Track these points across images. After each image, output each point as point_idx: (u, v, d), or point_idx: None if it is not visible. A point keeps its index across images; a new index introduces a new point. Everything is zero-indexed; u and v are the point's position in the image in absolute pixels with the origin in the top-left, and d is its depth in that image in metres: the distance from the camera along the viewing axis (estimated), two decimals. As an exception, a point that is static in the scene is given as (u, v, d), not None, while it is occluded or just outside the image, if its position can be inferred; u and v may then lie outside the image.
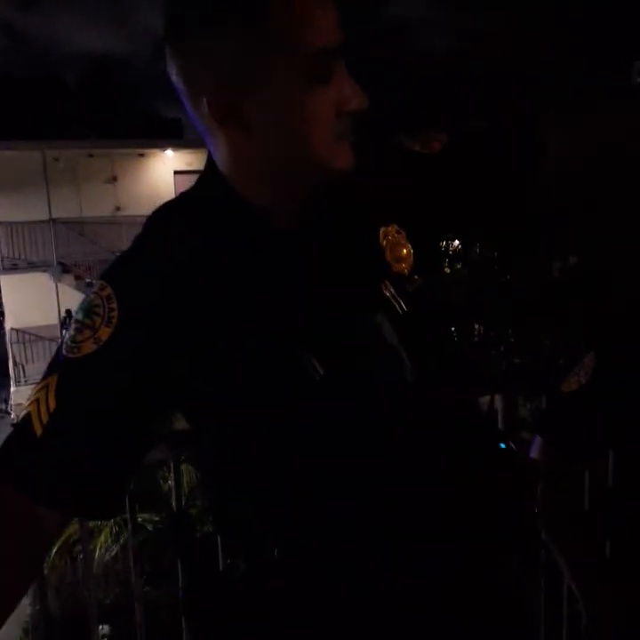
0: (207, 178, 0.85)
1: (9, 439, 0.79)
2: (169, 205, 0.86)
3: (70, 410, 0.77)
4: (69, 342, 0.78)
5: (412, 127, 0.96)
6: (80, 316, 0.79)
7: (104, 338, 0.76)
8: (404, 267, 0.85)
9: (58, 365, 0.79)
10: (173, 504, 1.41)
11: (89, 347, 0.77)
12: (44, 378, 0.79)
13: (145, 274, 0.80)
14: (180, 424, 0.90)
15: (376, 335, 0.82)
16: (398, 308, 0.83)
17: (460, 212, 0.94)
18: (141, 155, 16.34)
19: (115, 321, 0.77)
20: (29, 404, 0.78)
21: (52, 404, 0.76)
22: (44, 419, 0.76)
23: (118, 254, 0.85)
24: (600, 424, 1.22)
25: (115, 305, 0.77)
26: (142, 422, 0.80)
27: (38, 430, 0.76)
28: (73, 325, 0.80)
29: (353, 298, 0.82)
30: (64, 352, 0.79)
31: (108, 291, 0.78)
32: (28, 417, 0.77)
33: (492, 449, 0.91)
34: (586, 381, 1.22)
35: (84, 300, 0.81)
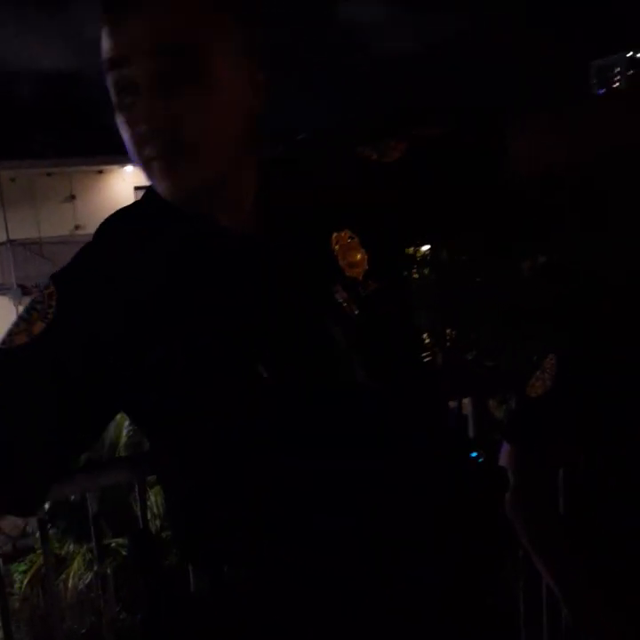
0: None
1: None
2: (119, 213, 0.87)
3: None
4: (5, 335, 0.79)
5: (371, 135, 0.94)
6: (22, 312, 0.81)
7: (36, 332, 0.77)
8: (358, 272, 0.85)
9: None
10: (139, 518, 1.36)
11: (21, 339, 0.78)
12: None
13: (87, 276, 0.81)
14: (146, 445, 0.90)
15: (325, 339, 0.82)
16: (350, 312, 0.83)
17: (418, 217, 0.93)
18: (100, 172, 16.27)
19: (50, 317, 0.78)
20: None
21: None
22: None
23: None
24: (570, 428, 1.21)
25: (54, 303, 0.79)
26: (63, 420, 0.78)
27: None
28: (15, 320, 0.81)
29: (302, 302, 0.82)
30: None
31: (52, 289, 0.80)
32: None
33: (463, 457, 0.93)
34: (552, 385, 1.21)
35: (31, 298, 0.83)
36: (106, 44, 0.73)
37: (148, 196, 0.86)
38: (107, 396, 0.80)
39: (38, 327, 0.78)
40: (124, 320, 0.78)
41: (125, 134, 0.76)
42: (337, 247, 0.86)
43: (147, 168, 0.77)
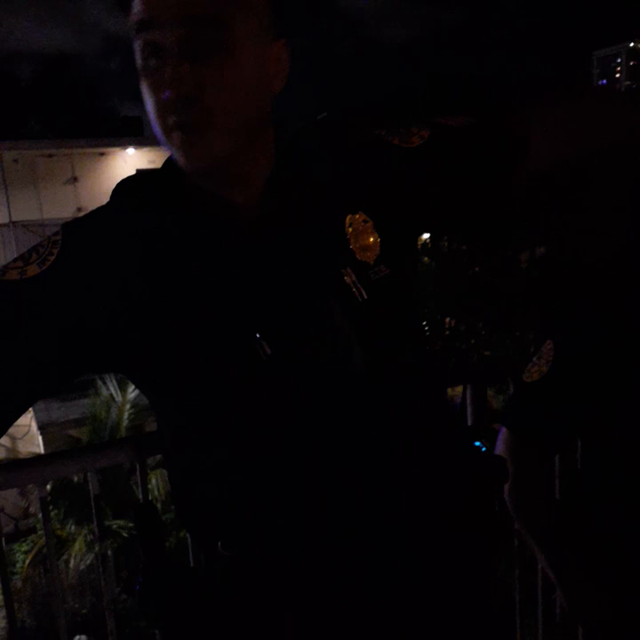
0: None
1: None
2: (137, 179, 0.87)
3: None
4: (2, 266, 0.80)
5: (393, 120, 0.93)
6: (25, 251, 0.81)
7: (29, 274, 0.77)
8: (370, 256, 0.84)
9: None
10: (141, 499, 1.36)
11: (12, 275, 0.78)
12: None
13: (97, 238, 0.81)
14: (149, 427, 0.89)
15: (327, 321, 0.81)
16: (358, 296, 0.82)
17: (433, 206, 0.92)
18: (102, 154, 16.12)
19: (47, 265, 0.78)
20: None
21: None
22: None
23: None
24: (566, 414, 1.21)
25: (56, 251, 0.78)
26: (28, 366, 0.77)
27: None
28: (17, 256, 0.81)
29: (308, 283, 0.81)
30: None
31: (59, 237, 0.80)
32: None
33: (464, 451, 0.92)
34: (548, 370, 1.20)
35: None
36: (137, 5, 0.73)
37: (166, 166, 0.85)
38: (82, 356, 0.80)
39: (33, 270, 0.78)
40: (127, 294, 0.78)
41: (149, 100, 0.75)
42: (350, 230, 0.84)
43: (167, 137, 0.76)
